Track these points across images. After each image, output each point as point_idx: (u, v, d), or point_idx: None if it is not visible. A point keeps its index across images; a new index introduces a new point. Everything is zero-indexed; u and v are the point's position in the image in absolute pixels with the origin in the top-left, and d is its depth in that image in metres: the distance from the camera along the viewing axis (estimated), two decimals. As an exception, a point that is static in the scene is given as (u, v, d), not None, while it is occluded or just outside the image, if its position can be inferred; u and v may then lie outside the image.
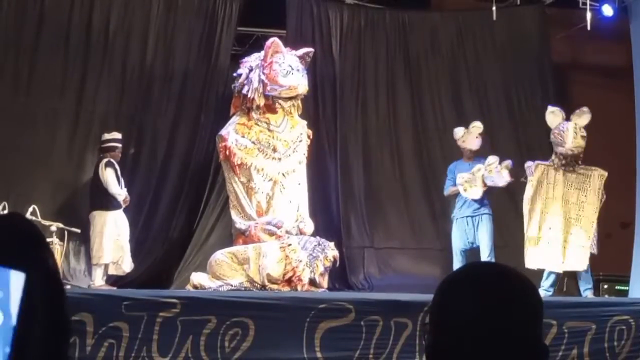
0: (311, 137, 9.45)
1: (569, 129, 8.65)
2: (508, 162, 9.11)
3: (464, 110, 10.81)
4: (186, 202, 10.19)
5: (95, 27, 10.04)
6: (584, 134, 8.68)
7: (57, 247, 8.02)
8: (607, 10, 10.08)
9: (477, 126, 9.43)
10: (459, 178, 9.21)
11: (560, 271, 8.66)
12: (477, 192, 9.11)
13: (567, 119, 8.78)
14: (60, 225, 8.29)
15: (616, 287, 9.87)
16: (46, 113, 9.70)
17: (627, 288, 9.06)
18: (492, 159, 9.13)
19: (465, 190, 9.14)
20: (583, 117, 8.73)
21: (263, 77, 8.91)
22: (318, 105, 10.67)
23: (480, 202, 9.16)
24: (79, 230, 8.61)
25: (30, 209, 8.00)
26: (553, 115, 8.86)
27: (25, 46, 9.75)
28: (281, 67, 8.90)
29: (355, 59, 10.97)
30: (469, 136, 9.40)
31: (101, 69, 9.99)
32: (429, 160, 10.77)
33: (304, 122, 9.45)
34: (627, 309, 7.59)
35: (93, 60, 9.97)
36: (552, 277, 8.68)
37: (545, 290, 8.53)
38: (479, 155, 9.39)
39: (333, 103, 10.73)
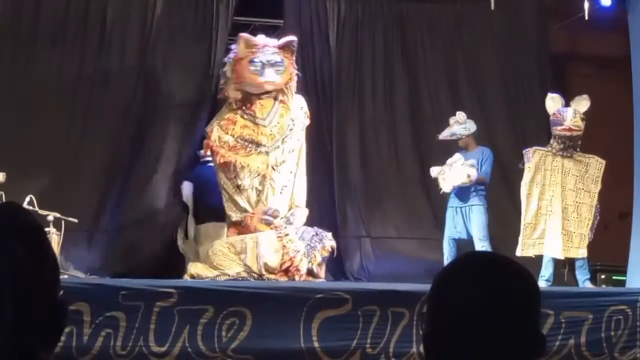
0: (309, 116, 9.37)
1: (568, 110, 8.73)
2: (471, 161, 9.12)
3: (461, 101, 10.80)
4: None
5: (92, 18, 10.03)
6: (583, 117, 8.74)
7: (55, 237, 8.01)
8: (605, 0, 10.06)
9: (454, 117, 9.49)
10: (432, 171, 9.29)
11: (562, 257, 8.68)
12: (447, 185, 9.14)
13: (566, 106, 8.84)
14: (58, 215, 8.28)
15: (613, 277, 9.88)
16: (43, 103, 9.67)
17: (624, 278, 9.06)
18: (457, 157, 9.17)
19: (439, 182, 9.21)
20: (582, 104, 8.79)
21: (231, 74, 8.91)
22: (317, 95, 10.65)
23: (472, 192, 9.19)
24: (76, 220, 8.59)
25: (27, 199, 7.99)
26: (552, 102, 8.91)
27: (22, 37, 9.74)
28: (252, 63, 8.83)
29: (352, 50, 10.95)
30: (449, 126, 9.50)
31: (98, 59, 9.98)
32: (426, 150, 10.75)
33: (300, 103, 9.33)
34: (624, 299, 7.61)
35: (90, 50, 9.96)
36: (551, 267, 8.70)
37: (545, 280, 8.55)
38: (488, 144, 9.46)
39: (330, 93, 10.71)
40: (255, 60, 8.83)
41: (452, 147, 9.53)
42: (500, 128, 10.91)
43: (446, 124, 9.63)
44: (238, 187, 8.90)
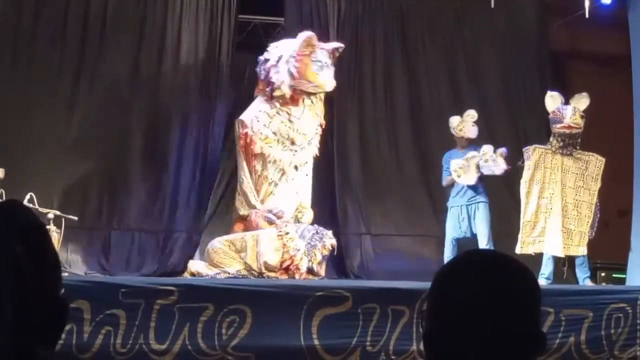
0: (323, 126, 9.50)
1: (567, 108, 8.74)
2: (502, 150, 9.15)
3: (462, 98, 10.80)
4: (191, 189, 10.12)
5: (93, 16, 10.02)
6: (583, 115, 8.75)
7: (55, 235, 8.02)
8: (605, -2, 10.08)
9: (471, 114, 9.47)
10: (453, 164, 9.25)
11: (563, 255, 8.68)
12: (471, 178, 9.14)
13: (566, 104, 8.85)
14: (58, 212, 8.29)
15: (613, 275, 9.87)
16: (44, 100, 9.67)
17: (624, 276, 9.06)
18: (487, 148, 9.17)
19: (459, 176, 9.18)
20: (582, 101, 8.79)
21: (294, 70, 8.94)
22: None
23: (476, 190, 9.18)
24: (76, 218, 8.60)
25: (28, 197, 8.00)
26: (552, 99, 8.91)
27: (23, 33, 9.74)
28: (313, 63, 8.95)
29: (352, 46, 10.94)
30: (466, 125, 9.43)
31: (98, 56, 9.97)
32: (426, 147, 10.75)
33: (322, 113, 9.52)
34: (624, 297, 7.60)
35: (91, 46, 9.96)
36: (551, 265, 8.70)
37: (545, 278, 8.55)
38: (473, 144, 9.44)
39: (330, 90, 10.69)
40: (316, 59, 8.98)
41: (452, 144, 9.54)
42: (500, 125, 10.89)
43: (445, 121, 9.62)
44: (261, 178, 8.97)
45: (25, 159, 9.27)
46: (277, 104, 9.11)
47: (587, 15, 9.77)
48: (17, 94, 9.59)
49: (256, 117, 9.07)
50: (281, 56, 9.05)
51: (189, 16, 10.33)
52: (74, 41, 9.92)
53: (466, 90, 11.06)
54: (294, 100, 9.12)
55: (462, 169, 9.17)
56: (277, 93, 9.07)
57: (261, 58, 9.30)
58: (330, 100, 10.62)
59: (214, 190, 10.32)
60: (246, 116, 9.16)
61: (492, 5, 9.72)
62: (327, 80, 9.11)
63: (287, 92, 9.03)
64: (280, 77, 9.00)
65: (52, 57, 9.82)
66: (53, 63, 9.81)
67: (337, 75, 10.67)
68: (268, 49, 9.32)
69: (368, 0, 11.11)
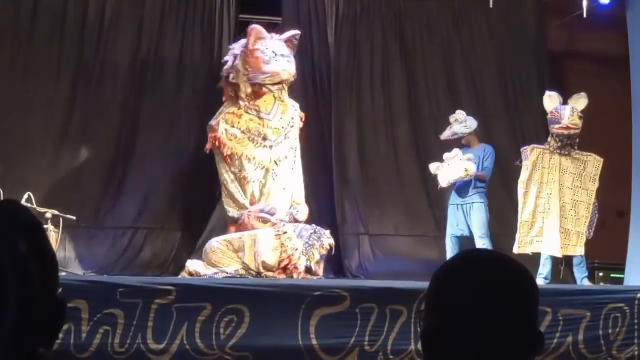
0: (303, 119, 9.45)
1: (565, 108, 8.75)
2: (470, 155, 9.14)
3: (460, 98, 10.80)
4: (188, 189, 10.12)
5: (91, 15, 10.02)
6: (581, 115, 8.76)
7: (52, 234, 8.01)
8: (604, -2, 10.09)
9: (455, 114, 9.50)
10: (430, 167, 9.30)
11: (560, 255, 8.70)
12: (443, 179, 9.16)
13: (564, 104, 8.86)
14: (55, 212, 8.28)
15: (611, 275, 9.88)
16: (42, 100, 9.68)
17: (622, 276, 9.07)
18: (455, 151, 9.17)
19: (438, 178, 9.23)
20: (580, 102, 8.82)
21: (246, 64, 8.90)
22: (316, 92, 10.66)
23: (472, 189, 9.19)
24: (74, 217, 8.59)
25: (25, 196, 7.99)
26: (550, 99, 8.93)
27: (21, 33, 9.74)
28: (264, 53, 8.87)
29: (350, 46, 10.94)
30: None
31: (95, 57, 9.97)
32: (424, 146, 10.75)
33: (296, 105, 9.44)
34: (621, 297, 7.60)
35: (89, 47, 9.96)
36: (549, 265, 8.71)
37: (543, 278, 8.56)
38: (486, 142, 9.51)
39: (328, 90, 10.71)
40: (267, 50, 8.88)
41: (452, 143, 9.53)
42: (498, 125, 10.89)
43: (444, 121, 9.63)
44: (242, 179, 8.93)
45: (22, 158, 9.27)
46: (243, 103, 9.05)
47: (585, 15, 9.78)
48: (14, 93, 9.58)
49: (224, 119, 9.02)
50: (235, 55, 9.03)
51: (189, 16, 10.33)
52: (72, 41, 9.92)
53: (464, 90, 11.06)
54: (257, 95, 9.03)
55: (438, 171, 9.21)
56: (240, 93, 9.04)
57: (222, 62, 9.29)
58: (328, 99, 10.65)
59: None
60: (214, 120, 9.12)
61: (491, 5, 9.73)
62: (281, 68, 8.94)
63: (247, 88, 8.98)
64: (237, 76, 8.98)
65: (50, 57, 9.82)
66: (51, 62, 9.81)
67: (335, 75, 10.74)
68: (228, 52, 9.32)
69: (366, 0, 11.11)
